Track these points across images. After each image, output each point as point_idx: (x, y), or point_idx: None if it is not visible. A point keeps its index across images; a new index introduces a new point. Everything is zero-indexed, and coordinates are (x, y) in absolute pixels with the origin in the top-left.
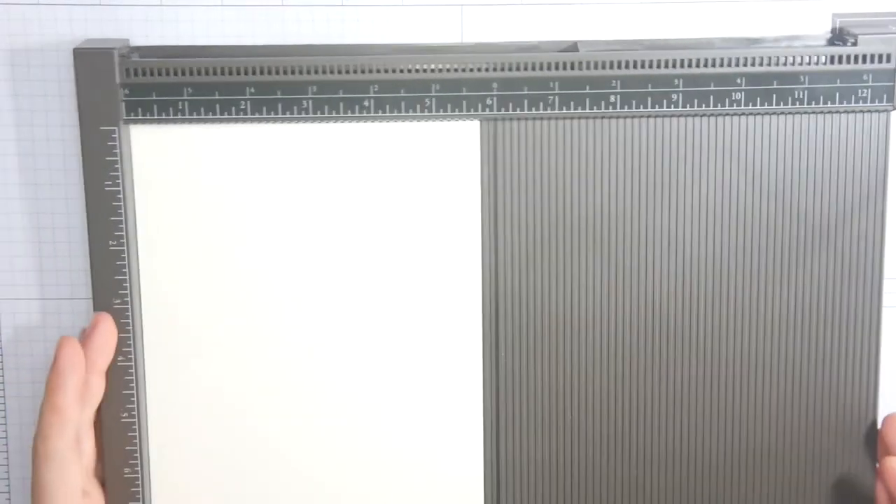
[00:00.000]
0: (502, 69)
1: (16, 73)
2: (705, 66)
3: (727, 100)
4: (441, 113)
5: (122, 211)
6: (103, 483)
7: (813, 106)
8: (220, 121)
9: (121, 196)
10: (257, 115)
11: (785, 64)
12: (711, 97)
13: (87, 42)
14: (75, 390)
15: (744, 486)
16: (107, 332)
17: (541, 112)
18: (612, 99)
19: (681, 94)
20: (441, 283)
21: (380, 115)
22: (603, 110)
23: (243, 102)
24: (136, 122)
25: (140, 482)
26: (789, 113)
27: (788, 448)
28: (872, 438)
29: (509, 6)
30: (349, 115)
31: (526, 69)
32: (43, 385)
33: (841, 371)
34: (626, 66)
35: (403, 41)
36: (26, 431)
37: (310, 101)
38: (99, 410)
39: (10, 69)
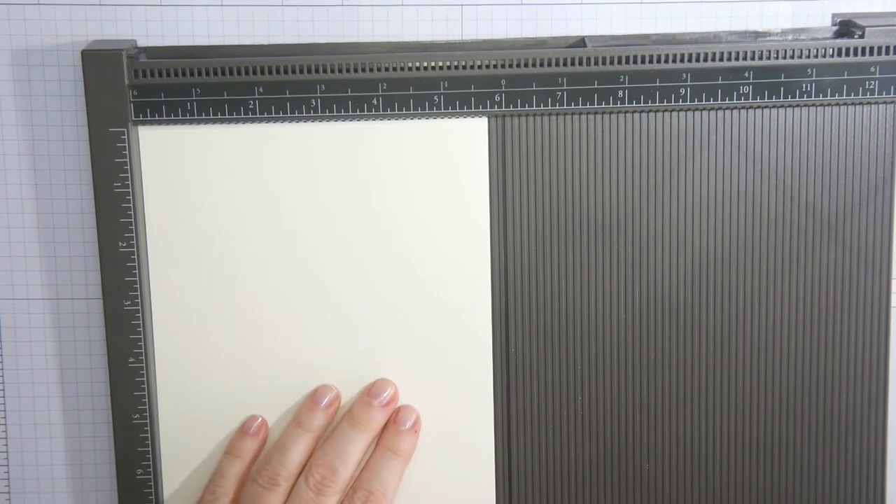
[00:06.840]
0: (510, 66)
1: (16, 73)
2: (713, 60)
3: (735, 94)
4: (449, 110)
5: (132, 212)
6: None
7: (820, 98)
8: (229, 121)
9: (130, 197)
10: (266, 115)
11: (792, 57)
12: (719, 91)
13: (95, 43)
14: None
15: (753, 477)
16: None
17: (549, 108)
18: (620, 94)
19: (689, 89)
20: (451, 279)
21: (388, 112)
22: (611, 105)
23: (251, 102)
24: (144, 123)
25: (152, 484)
26: (797, 106)
27: (797, 439)
28: (883, 427)
29: (511, 6)
30: (358, 113)
31: (533, 65)
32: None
33: (850, 361)
34: (634, 62)
35: (403, 40)
36: (26, 432)
37: (318, 100)
38: (112, 412)
39: (10, 69)
